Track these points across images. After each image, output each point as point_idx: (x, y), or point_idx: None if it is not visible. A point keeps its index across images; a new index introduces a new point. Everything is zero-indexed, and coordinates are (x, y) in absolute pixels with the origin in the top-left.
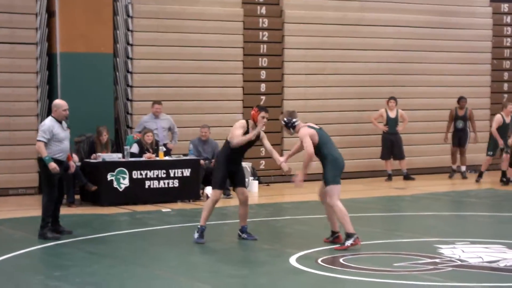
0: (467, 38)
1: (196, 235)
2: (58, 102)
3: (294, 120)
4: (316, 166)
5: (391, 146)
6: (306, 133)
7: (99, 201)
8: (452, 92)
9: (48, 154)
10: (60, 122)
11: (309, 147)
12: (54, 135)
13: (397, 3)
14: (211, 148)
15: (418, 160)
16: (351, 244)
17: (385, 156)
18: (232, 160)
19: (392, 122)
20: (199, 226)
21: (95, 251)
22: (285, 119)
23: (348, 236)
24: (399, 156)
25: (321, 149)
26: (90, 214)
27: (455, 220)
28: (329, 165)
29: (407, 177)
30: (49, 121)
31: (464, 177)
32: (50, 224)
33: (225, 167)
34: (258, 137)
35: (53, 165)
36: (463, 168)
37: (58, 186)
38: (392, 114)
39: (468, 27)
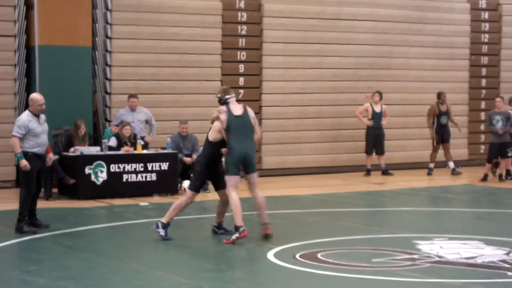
0: (445, 34)
1: (162, 232)
2: (34, 96)
3: (227, 96)
4: (296, 160)
5: (375, 140)
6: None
7: (76, 195)
8: (430, 87)
9: (26, 148)
10: (37, 116)
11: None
12: (30, 129)
13: None
14: (191, 144)
15: (396, 155)
16: (237, 238)
17: (369, 150)
18: (213, 160)
19: (377, 117)
20: (164, 222)
21: (72, 245)
22: (219, 95)
23: (235, 229)
24: (380, 151)
25: (227, 136)
26: (67, 208)
27: (433, 216)
28: (229, 155)
29: (385, 172)
30: (25, 116)
31: (456, 173)
32: (27, 218)
33: (207, 169)
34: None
35: (24, 163)
36: (451, 165)
37: (36, 179)
38: (377, 109)
39: (447, 22)
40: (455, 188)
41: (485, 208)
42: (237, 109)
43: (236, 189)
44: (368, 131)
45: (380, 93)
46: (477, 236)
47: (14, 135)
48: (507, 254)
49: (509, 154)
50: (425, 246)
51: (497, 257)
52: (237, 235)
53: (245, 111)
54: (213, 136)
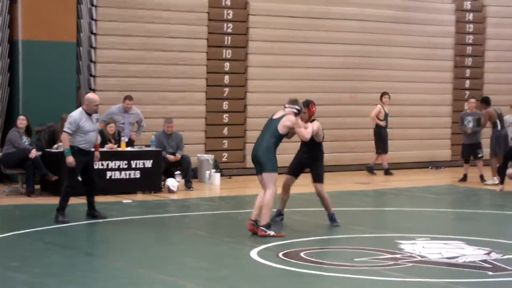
0: (430, 34)
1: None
2: (91, 96)
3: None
4: (280, 159)
5: (386, 141)
6: None
7: (59, 192)
8: (415, 88)
9: (73, 143)
10: (89, 114)
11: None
12: (80, 127)
13: None
14: (175, 142)
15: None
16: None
17: (385, 150)
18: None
19: (387, 117)
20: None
21: (54, 242)
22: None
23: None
24: (387, 150)
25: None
26: (49, 204)
27: (416, 216)
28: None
29: (388, 172)
30: (77, 113)
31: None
32: (87, 209)
33: None
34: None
35: (70, 159)
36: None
37: (86, 175)
38: (387, 109)
39: (432, 23)
40: (437, 188)
41: (467, 208)
42: (277, 114)
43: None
44: (382, 131)
45: (389, 94)
46: (459, 236)
47: (64, 131)
48: (488, 254)
49: (479, 155)
50: (407, 246)
51: (478, 257)
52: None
53: (281, 117)
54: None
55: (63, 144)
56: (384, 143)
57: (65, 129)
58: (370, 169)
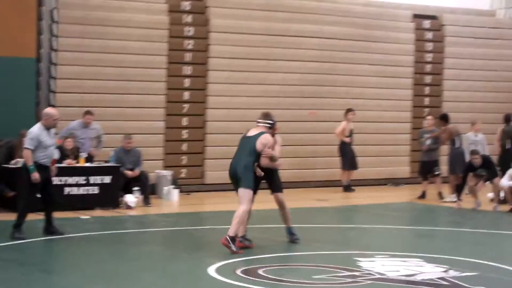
0: (390, 52)
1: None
2: (49, 110)
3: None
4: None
5: (353, 156)
6: None
7: (16, 208)
8: (374, 105)
9: (34, 159)
10: (48, 129)
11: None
12: (41, 142)
13: (322, 15)
14: (134, 158)
15: (336, 172)
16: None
17: (349, 166)
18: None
19: (352, 134)
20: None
21: (11, 259)
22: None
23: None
24: (356, 166)
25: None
26: (7, 221)
27: (375, 233)
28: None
29: (348, 188)
30: (37, 129)
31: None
32: (45, 225)
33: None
34: None
35: (36, 176)
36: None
37: (45, 190)
38: (352, 126)
39: (391, 41)
40: (396, 205)
41: (425, 225)
42: (252, 132)
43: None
44: (347, 148)
45: (354, 111)
46: (418, 254)
47: (27, 147)
48: (446, 271)
49: (436, 173)
50: (366, 263)
51: (436, 275)
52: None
53: (258, 135)
54: None
55: (26, 161)
56: (350, 159)
57: (27, 145)
58: (347, 187)
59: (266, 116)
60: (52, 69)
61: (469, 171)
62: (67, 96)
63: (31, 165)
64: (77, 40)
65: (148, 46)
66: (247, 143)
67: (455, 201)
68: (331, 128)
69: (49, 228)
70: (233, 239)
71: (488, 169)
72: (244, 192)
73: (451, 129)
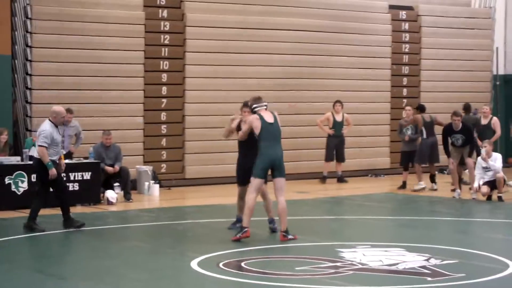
0: (367, 43)
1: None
2: (58, 108)
3: (255, 105)
4: (219, 170)
5: (335, 148)
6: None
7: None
8: (353, 96)
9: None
10: (57, 126)
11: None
12: (53, 139)
13: (297, 7)
14: (114, 154)
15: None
16: (240, 237)
17: (329, 158)
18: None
19: (338, 126)
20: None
21: None
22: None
23: (241, 227)
24: (341, 158)
25: (258, 141)
26: None
27: (356, 223)
28: (258, 158)
29: (341, 179)
30: (48, 126)
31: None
32: (30, 219)
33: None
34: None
35: (54, 171)
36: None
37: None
38: (338, 118)
39: (368, 32)
40: (377, 196)
41: (406, 215)
42: (268, 117)
43: (256, 191)
44: (328, 139)
45: (341, 103)
46: (399, 243)
47: (41, 145)
48: (427, 260)
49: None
50: (348, 254)
51: (418, 263)
52: (240, 234)
53: (275, 118)
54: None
55: (43, 158)
56: (330, 150)
57: (41, 143)
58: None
59: (259, 99)
60: (28, 66)
61: (447, 133)
62: (44, 93)
63: (48, 162)
64: (53, 37)
65: (125, 42)
66: (275, 130)
67: (423, 188)
68: (312, 121)
69: (68, 223)
70: (286, 231)
71: (466, 137)
72: (284, 182)
73: (416, 118)
